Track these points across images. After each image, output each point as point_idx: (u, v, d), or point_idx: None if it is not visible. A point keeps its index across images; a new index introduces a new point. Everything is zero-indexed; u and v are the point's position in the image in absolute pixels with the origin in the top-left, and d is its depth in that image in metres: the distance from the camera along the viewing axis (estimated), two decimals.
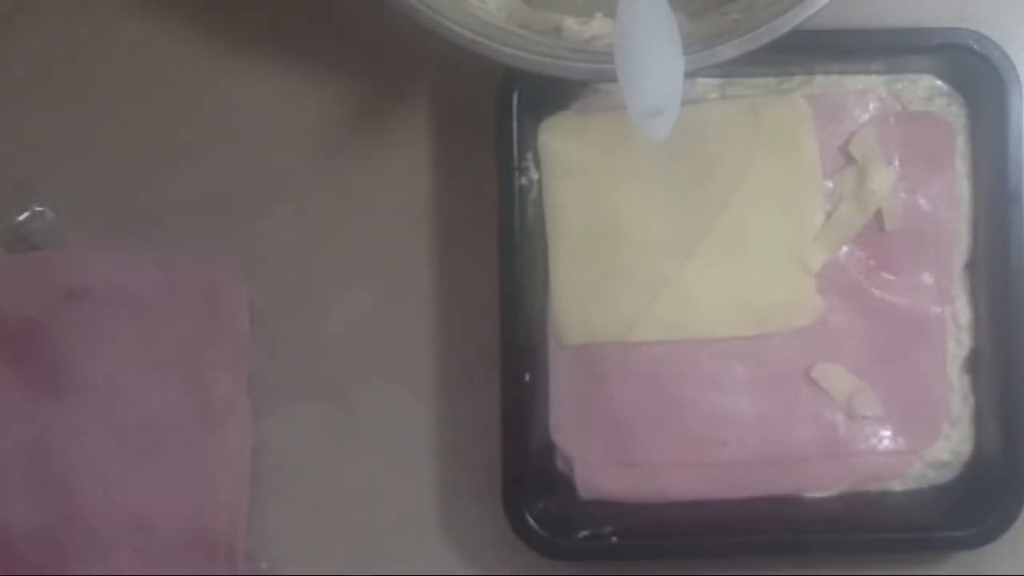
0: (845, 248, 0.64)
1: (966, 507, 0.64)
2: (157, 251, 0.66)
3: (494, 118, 0.64)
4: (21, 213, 0.66)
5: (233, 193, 0.67)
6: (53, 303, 0.64)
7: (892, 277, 0.64)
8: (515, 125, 0.64)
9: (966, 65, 0.64)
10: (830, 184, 0.64)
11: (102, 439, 0.64)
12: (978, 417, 0.65)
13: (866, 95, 0.64)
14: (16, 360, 0.64)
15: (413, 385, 0.67)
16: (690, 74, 0.53)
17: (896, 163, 0.64)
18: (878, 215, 0.64)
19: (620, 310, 0.64)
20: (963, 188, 0.65)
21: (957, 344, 0.65)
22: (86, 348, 0.64)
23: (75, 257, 0.66)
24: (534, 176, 0.65)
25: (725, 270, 0.64)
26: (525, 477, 0.64)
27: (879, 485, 0.65)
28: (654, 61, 0.52)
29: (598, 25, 0.62)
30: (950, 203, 0.64)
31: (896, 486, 0.65)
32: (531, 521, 0.64)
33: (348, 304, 0.67)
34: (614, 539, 0.64)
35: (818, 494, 0.65)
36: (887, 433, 0.64)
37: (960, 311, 0.65)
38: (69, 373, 0.64)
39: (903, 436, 0.64)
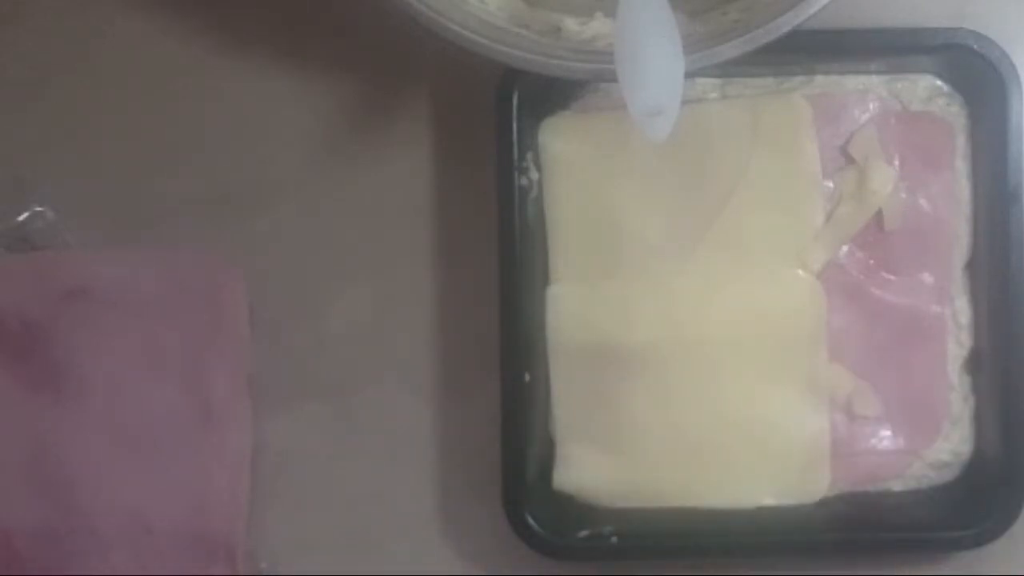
0: (845, 248, 0.64)
1: (966, 507, 0.64)
2: (157, 251, 0.66)
3: (494, 118, 0.64)
4: (21, 213, 0.66)
5: (233, 193, 0.67)
6: (53, 303, 0.64)
7: (892, 277, 0.64)
8: (515, 125, 0.64)
9: (966, 65, 0.64)
10: (830, 184, 0.64)
11: (102, 439, 0.63)
12: (978, 417, 0.65)
13: (866, 95, 0.64)
14: (16, 360, 0.64)
15: (413, 385, 0.67)
16: (690, 74, 0.53)
17: (896, 163, 0.64)
18: (878, 215, 0.64)
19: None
20: (963, 188, 0.65)
21: (957, 344, 0.65)
22: (86, 348, 0.64)
23: (75, 257, 0.66)
24: (534, 176, 0.65)
25: (725, 270, 0.64)
26: (525, 477, 0.64)
27: (879, 485, 0.65)
28: (654, 61, 0.52)
29: (598, 25, 0.62)
30: (950, 203, 0.64)
31: (896, 486, 0.65)
32: (531, 521, 0.64)
33: (348, 304, 0.67)
34: (614, 539, 0.64)
35: None
36: (887, 433, 0.64)
37: (960, 311, 0.65)
38: (69, 373, 0.64)
39: (903, 436, 0.64)
